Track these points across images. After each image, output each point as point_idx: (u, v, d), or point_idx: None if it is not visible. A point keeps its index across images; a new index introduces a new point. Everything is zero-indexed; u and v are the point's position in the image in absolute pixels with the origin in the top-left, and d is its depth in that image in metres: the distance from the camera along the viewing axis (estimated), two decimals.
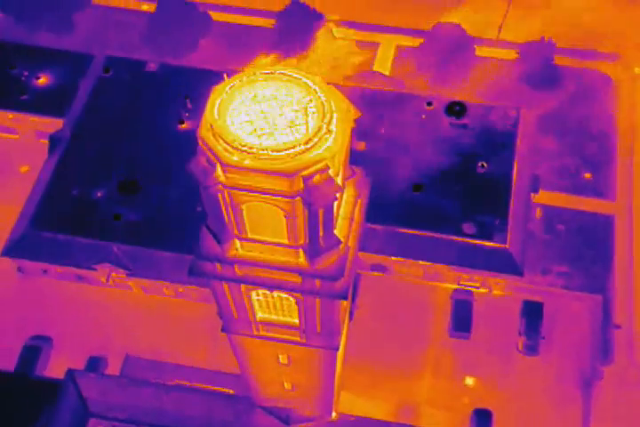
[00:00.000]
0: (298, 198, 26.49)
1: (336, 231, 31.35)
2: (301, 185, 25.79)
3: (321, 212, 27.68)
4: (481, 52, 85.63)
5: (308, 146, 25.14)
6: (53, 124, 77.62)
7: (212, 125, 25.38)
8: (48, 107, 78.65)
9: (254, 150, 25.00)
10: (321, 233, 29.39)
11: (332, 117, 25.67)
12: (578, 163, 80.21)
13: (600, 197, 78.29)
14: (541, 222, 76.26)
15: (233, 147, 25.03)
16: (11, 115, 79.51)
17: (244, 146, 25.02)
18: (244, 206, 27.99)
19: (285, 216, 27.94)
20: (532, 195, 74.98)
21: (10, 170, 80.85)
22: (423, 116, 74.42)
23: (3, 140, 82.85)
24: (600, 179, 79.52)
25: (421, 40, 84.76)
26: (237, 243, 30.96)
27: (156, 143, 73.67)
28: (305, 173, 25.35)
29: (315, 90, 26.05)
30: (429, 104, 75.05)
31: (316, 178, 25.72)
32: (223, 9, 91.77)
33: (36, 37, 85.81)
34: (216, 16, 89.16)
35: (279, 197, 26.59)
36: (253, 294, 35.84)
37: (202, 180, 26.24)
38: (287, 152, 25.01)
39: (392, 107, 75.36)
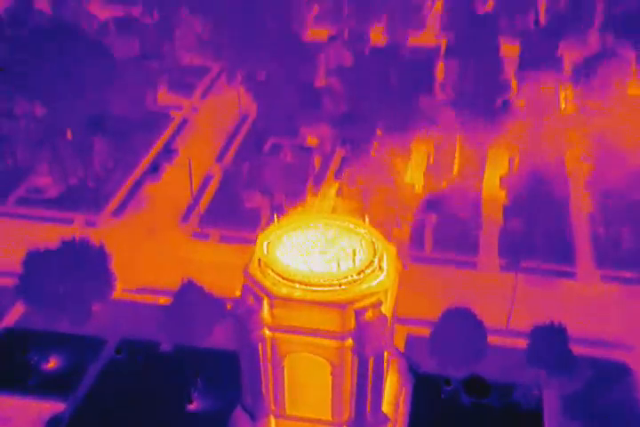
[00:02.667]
0: (348, 341, 25.02)
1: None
2: (353, 323, 24.61)
3: (371, 365, 25.78)
4: (492, 339, 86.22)
5: (360, 277, 24.73)
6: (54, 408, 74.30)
7: (260, 260, 25.31)
8: (52, 390, 76.17)
9: (305, 281, 24.51)
10: (369, 402, 26.81)
11: (382, 255, 25.75)
12: None
13: None
14: None
15: (283, 277, 24.61)
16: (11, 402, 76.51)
17: (294, 276, 24.62)
18: (286, 362, 26.15)
19: (332, 373, 25.93)
20: None
21: None
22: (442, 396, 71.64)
23: None
24: None
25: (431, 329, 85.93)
26: (273, 423, 27.94)
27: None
28: (357, 305, 24.46)
29: (363, 232, 26.62)
30: (448, 383, 73.03)
31: (369, 314, 24.71)
32: None
33: (54, 325, 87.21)
34: None
35: (328, 341, 25.09)
36: None
37: (245, 322, 25.08)
38: (339, 281, 24.51)
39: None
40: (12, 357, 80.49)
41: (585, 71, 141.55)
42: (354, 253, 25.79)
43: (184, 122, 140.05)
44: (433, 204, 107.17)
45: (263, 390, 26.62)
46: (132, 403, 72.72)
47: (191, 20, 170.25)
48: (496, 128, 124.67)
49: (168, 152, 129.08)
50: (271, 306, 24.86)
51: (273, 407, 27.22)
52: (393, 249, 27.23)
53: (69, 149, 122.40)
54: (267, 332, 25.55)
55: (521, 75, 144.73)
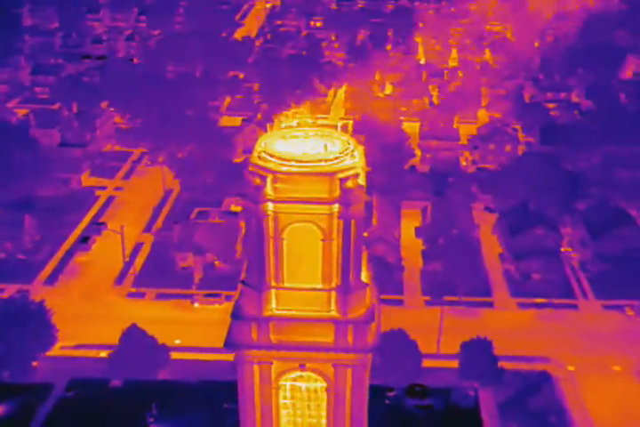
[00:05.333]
0: (335, 206, 31.42)
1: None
2: (338, 191, 31.21)
3: (353, 229, 32.10)
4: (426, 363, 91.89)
5: (342, 155, 31.64)
6: None
7: (262, 152, 31.89)
8: None
9: (300, 160, 31.18)
10: (351, 268, 32.88)
11: (354, 145, 32.86)
12: None
13: None
14: None
15: (282, 159, 31.19)
16: None
17: (291, 158, 31.26)
18: (285, 235, 32.13)
19: (322, 239, 32.05)
20: None
21: None
22: (387, 401, 76.11)
23: None
24: None
25: None
26: (273, 298, 33.38)
27: None
28: (341, 175, 31.17)
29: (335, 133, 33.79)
30: (390, 390, 77.64)
31: (350, 182, 31.37)
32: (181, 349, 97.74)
33: None
34: (175, 355, 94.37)
35: (319, 207, 31.41)
36: (281, 394, 35.53)
37: (254, 197, 31.22)
38: (326, 158, 31.32)
39: None
40: None
41: (480, 138, 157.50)
42: (332, 144, 32.76)
43: (110, 199, 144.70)
44: None
45: (266, 264, 32.11)
46: None
47: (110, 111, 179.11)
48: (405, 187, 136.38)
49: (96, 225, 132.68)
50: (274, 182, 31.08)
51: (273, 281, 32.61)
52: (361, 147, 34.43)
53: None
54: (270, 206, 31.47)
55: (423, 144, 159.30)
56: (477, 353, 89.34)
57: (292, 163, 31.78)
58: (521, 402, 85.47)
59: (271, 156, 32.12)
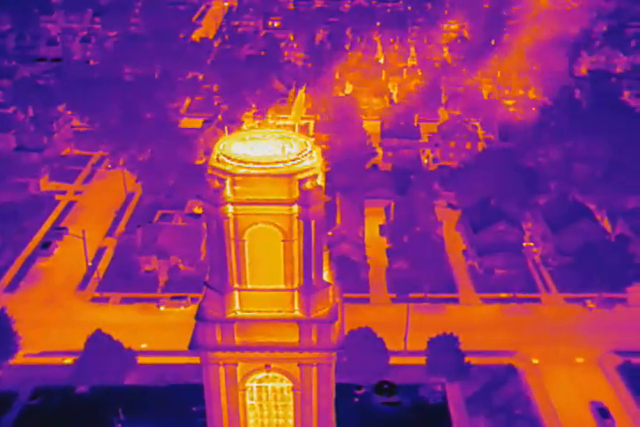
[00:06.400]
0: (295, 208, 31.50)
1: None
2: (297, 192, 31.28)
3: (313, 229, 32.20)
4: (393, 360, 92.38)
5: (300, 157, 31.73)
6: None
7: (221, 155, 31.81)
8: None
9: (258, 162, 31.18)
10: (313, 267, 32.97)
11: (312, 146, 32.97)
12: None
13: None
14: None
15: (240, 161, 31.16)
16: None
17: (249, 160, 31.24)
18: (246, 237, 32.09)
19: (283, 240, 32.10)
20: None
21: None
22: (356, 399, 76.54)
23: None
24: None
25: None
26: (237, 300, 33.33)
27: None
28: (300, 176, 31.26)
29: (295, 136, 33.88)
30: (359, 388, 78.08)
31: (308, 183, 31.48)
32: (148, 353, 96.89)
33: None
34: (141, 359, 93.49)
35: (279, 208, 31.46)
36: (247, 395, 35.49)
37: (213, 199, 31.13)
38: (284, 160, 31.39)
39: None
40: None
41: (440, 136, 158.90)
42: (290, 146, 32.83)
43: (70, 204, 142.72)
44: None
45: (228, 266, 32.04)
46: None
47: (68, 114, 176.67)
48: (368, 186, 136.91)
49: (57, 230, 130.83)
50: (233, 184, 31.03)
51: (236, 283, 32.57)
52: (318, 148, 34.56)
53: None
54: (229, 208, 31.41)
55: (384, 143, 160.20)
56: (444, 349, 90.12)
57: (250, 165, 31.79)
58: (488, 396, 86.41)
59: (229, 158, 32.10)
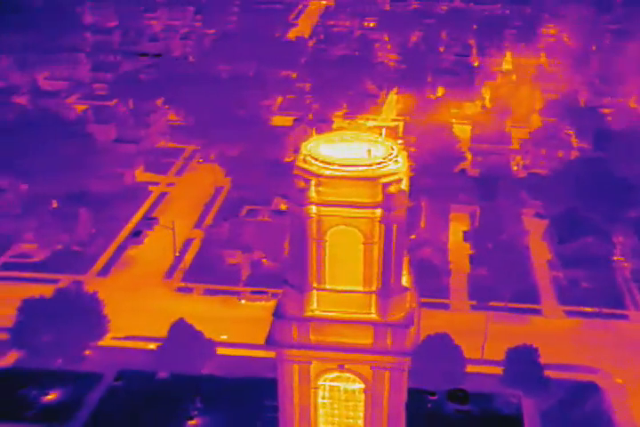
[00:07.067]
0: (378, 211, 31.92)
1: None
2: (381, 196, 31.68)
3: (395, 233, 32.54)
4: (470, 368, 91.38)
5: (385, 161, 32.12)
6: None
7: (307, 155, 32.59)
8: (52, 420, 78.28)
9: (343, 164, 31.78)
10: (392, 271, 33.32)
11: (398, 150, 33.30)
12: None
13: None
14: None
15: (326, 163, 31.82)
16: None
17: (335, 162, 31.87)
18: (327, 237, 32.74)
19: (364, 243, 32.56)
20: None
21: None
22: (428, 405, 76.22)
23: None
24: None
25: None
26: (314, 299, 34.04)
27: None
28: (384, 180, 31.63)
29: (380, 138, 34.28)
30: (432, 394, 77.71)
31: (392, 187, 31.83)
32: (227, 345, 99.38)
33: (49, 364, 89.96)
34: (220, 350, 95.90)
35: (362, 211, 31.93)
36: (320, 393, 36.17)
37: (297, 199, 31.93)
38: (369, 163, 31.86)
39: None
40: (11, 392, 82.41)
41: (532, 142, 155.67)
42: (376, 149, 33.35)
43: (162, 195, 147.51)
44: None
45: (308, 266, 32.81)
46: (134, 423, 75.23)
47: (165, 109, 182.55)
48: (454, 190, 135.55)
49: (148, 220, 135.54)
50: (318, 185, 31.73)
51: (315, 283, 33.30)
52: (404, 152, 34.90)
53: (54, 217, 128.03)
54: (313, 209, 32.15)
55: (474, 147, 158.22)
56: (522, 360, 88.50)
57: (336, 167, 32.41)
58: (565, 412, 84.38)
59: (315, 159, 32.84)
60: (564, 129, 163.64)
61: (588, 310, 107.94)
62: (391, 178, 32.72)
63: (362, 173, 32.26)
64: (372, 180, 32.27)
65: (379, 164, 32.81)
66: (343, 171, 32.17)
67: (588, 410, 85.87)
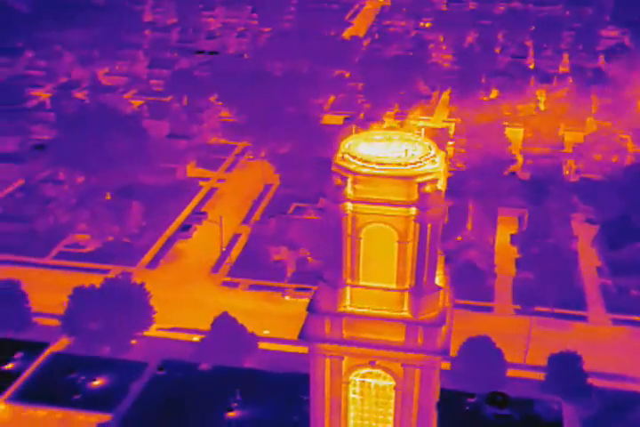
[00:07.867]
0: (413, 210, 32.27)
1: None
2: (416, 195, 32.03)
3: (429, 232, 32.85)
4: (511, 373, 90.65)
5: (422, 160, 32.45)
6: (100, 420, 78.45)
7: (345, 153, 33.13)
8: (98, 405, 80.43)
9: (380, 162, 32.21)
10: (426, 270, 33.63)
11: (436, 151, 33.57)
12: None
13: None
14: None
15: (363, 161, 32.32)
16: (59, 413, 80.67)
17: (372, 160, 32.33)
18: (362, 234, 33.23)
19: (398, 241, 32.96)
20: None
21: None
22: (467, 407, 75.93)
23: None
24: None
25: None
26: (348, 295, 34.58)
27: None
28: (420, 179, 31.97)
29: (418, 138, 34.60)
30: (472, 396, 77.33)
31: (428, 187, 32.14)
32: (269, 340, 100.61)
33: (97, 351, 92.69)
34: (262, 344, 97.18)
35: (397, 209, 32.33)
36: (351, 389, 36.68)
37: (333, 196, 32.50)
38: (406, 162, 32.23)
39: None
40: (59, 377, 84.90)
41: (585, 147, 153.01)
42: (414, 148, 33.68)
43: (212, 190, 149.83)
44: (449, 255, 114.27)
45: (343, 262, 33.37)
46: (176, 412, 76.79)
47: (218, 105, 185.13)
48: (503, 194, 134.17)
49: (198, 214, 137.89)
50: (354, 182, 32.28)
51: (349, 279, 33.82)
52: (442, 153, 35.13)
53: (106, 210, 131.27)
54: (349, 206, 32.71)
55: (525, 150, 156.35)
56: (565, 367, 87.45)
57: (373, 165, 32.87)
58: (607, 421, 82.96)
59: (353, 157, 33.37)
60: (619, 133, 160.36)
61: (637, 318, 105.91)
62: (427, 177, 33.04)
63: (398, 172, 32.65)
64: (407, 179, 32.65)
65: (415, 163, 33.16)
66: (380, 169, 32.63)
67: (633, 421, 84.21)
